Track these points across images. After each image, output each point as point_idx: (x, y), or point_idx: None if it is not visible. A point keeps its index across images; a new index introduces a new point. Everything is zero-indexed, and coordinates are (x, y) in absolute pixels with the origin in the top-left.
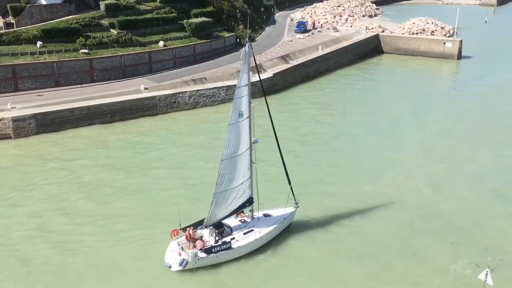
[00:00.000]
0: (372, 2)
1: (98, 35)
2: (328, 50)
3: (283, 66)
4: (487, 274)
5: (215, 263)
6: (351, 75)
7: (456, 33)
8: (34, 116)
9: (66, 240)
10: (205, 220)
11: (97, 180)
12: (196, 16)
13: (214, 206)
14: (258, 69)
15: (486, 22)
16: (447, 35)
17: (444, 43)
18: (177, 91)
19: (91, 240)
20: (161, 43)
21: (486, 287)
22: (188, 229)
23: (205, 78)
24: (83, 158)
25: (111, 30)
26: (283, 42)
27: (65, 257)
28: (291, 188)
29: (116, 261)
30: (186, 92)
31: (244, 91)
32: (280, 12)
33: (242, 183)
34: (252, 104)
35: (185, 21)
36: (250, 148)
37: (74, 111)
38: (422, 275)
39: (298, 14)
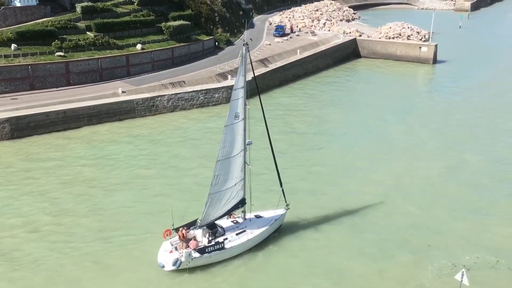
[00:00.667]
0: (349, 7)
1: (74, 38)
2: (306, 54)
3: (262, 70)
4: (463, 274)
5: (208, 263)
6: (330, 79)
7: (432, 37)
8: (8, 120)
9: (55, 243)
10: (198, 220)
11: (83, 182)
12: (174, 19)
13: (209, 206)
14: (253, 70)
15: (460, 27)
16: (423, 39)
17: (420, 47)
18: (156, 95)
19: (81, 242)
20: (138, 46)
21: (462, 287)
22: (181, 229)
23: (184, 82)
24: (62, 160)
25: (87, 32)
26: (261, 46)
27: (55, 261)
28: (282, 190)
29: (108, 262)
30: (164, 95)
31: (240, 93)
32: (259, 16)
33: (235, 184)
34: (248, 106)
35: (163, 24)
36: (244, 149)
37: (49, 115)
38: (399, 277)
39: (276, 18)
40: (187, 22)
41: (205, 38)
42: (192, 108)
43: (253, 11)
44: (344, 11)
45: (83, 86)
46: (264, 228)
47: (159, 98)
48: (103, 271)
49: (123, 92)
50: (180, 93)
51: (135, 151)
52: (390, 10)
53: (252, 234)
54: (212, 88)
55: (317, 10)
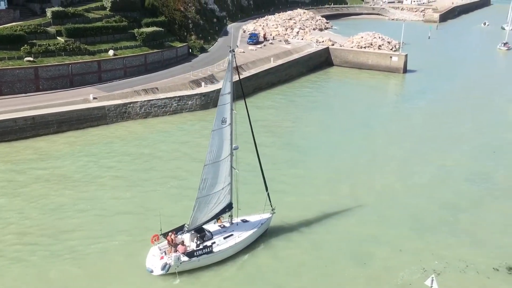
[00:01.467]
0: (322, 16)
1: (44, 43)
2: (280, 61)
3: (236, 77)
4: (432, 280)
5: (196, 267)
6: (303, 87)
7: (402, 47)
8: None
9: (42, 251)
10: (186, 225)
11: (53, 192)
12: (147, 25)
13: (196, 210)
14: (239, 74)
15: (429, 38)
16: (393, 49)
17: (391, 57)
18: (128, 101)
19: (69, 250)
20: (111, 52)
21: None
22: (170, 234)
23: (157, 88)
24: (39, 169)
25: (58, 38)
26: (235, 53)
27: (41, 269)
28: (268, 194)
29: (96, 269)
30: (137, 102)
31: (227, 99)
32: (233, 24)
33: (223, 188)
34: (234, 111)
35: (136, 30)
36: (231, 154)
37: (17, 121)
38: (371, 282)
39: (250, 26)
40: (161, 29)
41: (179, 45)
42: (165, 115)
43: (227, 18)
44: (317, 20)
45: (53, 92)
46: (251, 232)
47: (131, 105)
48: (89, 278)
49: (94, 98)
50: (153, 99)
51: (107, 158)
52: (362, 20)
53: (239, 238)
54: (186, 95)
55: (290, 19)
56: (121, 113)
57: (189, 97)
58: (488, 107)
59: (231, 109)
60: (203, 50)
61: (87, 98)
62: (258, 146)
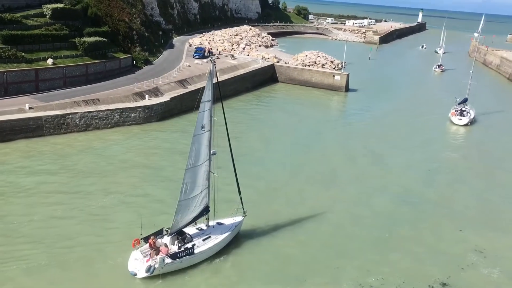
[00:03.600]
0: (268, 33)
1: None
2: (226, 76)
3: (181, 91)
4: None
5: (179, 268)
6: (248, 102)
7: (344, 67)
8: None
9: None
10: (165, 229)
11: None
12: (89, 35)
13: (178, 213)
14: (218, 83)
15: (370, 58)
16: (336, 68)
17: (334, 76)
18: (67, 112)
19: (41, 256)
20: (50, 61)
21: None
22: (152, 237)
23: (98, 100)
24: None
25: None
26: (181, 67)
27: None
28: (240, 198)
29: (77, 274)
30: (76, 113)
31: (207, 106)
32: (179, 37)
33: (201, 192)
34: (214, 118)
35: (77, 39)
36: (209, 159)
37: None
38: None
39: (196, 40)
40: (104, 39)
41: (123, 56)
42: (106, 127)
43: (173, 31)
44: (263, 37)
45: None
46: (227, 234)
47: (70, 116)
48: (73, 283)
49: (30, 108)
50: (94, 111)
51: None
52: (306, 39)
53: (217, 239)
54: (129, 107)
55: (237, 35)
56: (59, 124)
57: (132, 109)
58: (424, 124)
59: (211, 116)
60: (148, 62)
61: (22, 107)
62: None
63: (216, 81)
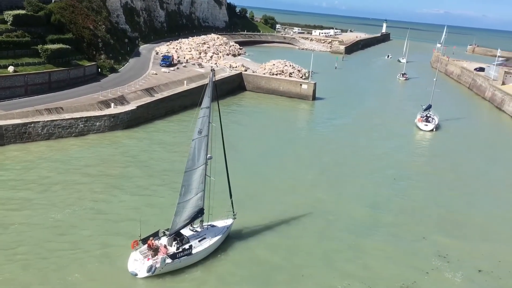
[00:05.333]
0: (236, 42)
1: None
2: (193, 85)
3: (148, 99)
4: None
5: (178, 268)
6: (216, 110)
7: (311, 76)
8: None
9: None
10: (163, 231)
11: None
12: (53, 42)
13: (177, 215)
14: (216, 90)
15: (336, 68)
16: (303, 77)
17: (301, 84)
18: (28, 121)
19: (45, 259)
20: (10, 68)
21: None
22: (151, 238)
23: (62, 108)
24: None
25: None
26: (147, 75)
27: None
28: (231, 201)
29: (77, 276)
30: (38, 122)
31: (206, 112)
32: (145, 45)
33: (197, 194)
34: (212, 123)
35: (40, 46)
36: (206, 163)
37: None
38: None
39: (163, 48)
40: (67, 46)
41: (87, 63)
42: (69, 136)
43: (139, 39)
44: (230, 46)
45: None
46: (220, 235)
47: (32, 125)
48: (73, 285)
49: None
50: (57, 120)
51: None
52: (273, 48)
53: (212, 240)
54: (93, 116)
55: (204, 43)
56: (20, 134)
57: (97, 118)
58: (391, 130)
59: (209, 122)
60: (113, 70)
61: None
62: (162, 172)
63: (216, 91)
